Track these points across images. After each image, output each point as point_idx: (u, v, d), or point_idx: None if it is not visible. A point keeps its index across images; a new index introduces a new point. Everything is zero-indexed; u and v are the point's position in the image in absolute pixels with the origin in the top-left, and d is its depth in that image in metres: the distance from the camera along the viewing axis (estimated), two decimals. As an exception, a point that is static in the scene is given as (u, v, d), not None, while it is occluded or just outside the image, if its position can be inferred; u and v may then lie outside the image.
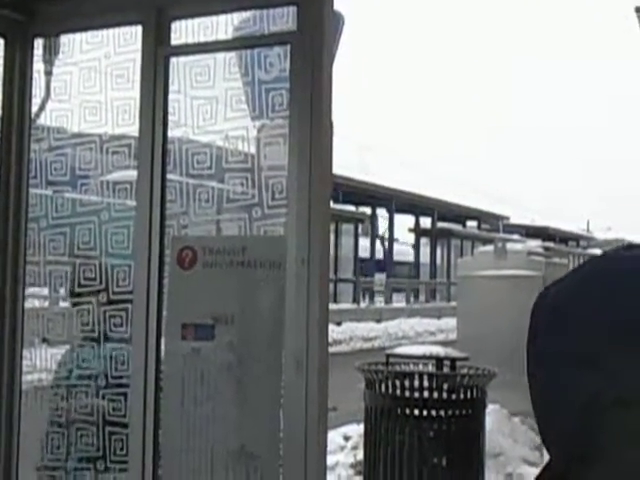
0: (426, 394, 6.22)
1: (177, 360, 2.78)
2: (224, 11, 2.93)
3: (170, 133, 2.92)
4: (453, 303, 26.47)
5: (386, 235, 40.82)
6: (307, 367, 2.51)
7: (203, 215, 2.94)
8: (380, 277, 37.94)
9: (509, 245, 12.49)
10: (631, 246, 0.94)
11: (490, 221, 48.88)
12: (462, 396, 6.29)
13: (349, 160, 33.18)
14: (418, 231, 42.83)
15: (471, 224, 48.06)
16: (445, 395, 6.24)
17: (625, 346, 0.85)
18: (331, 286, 30.79)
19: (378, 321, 29.48)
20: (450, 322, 24.14)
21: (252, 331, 2.71)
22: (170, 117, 2.94)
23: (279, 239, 2.72)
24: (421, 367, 6.67)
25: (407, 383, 6.27)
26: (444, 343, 10.44)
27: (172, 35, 2.96)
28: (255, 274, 2.71)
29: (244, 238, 2.82)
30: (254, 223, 2.81)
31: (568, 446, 0.87)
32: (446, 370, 6.52)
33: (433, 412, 6.23)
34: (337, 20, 4.55)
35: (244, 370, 2.68)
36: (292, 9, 2.82)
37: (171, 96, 2.95)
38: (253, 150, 2.91)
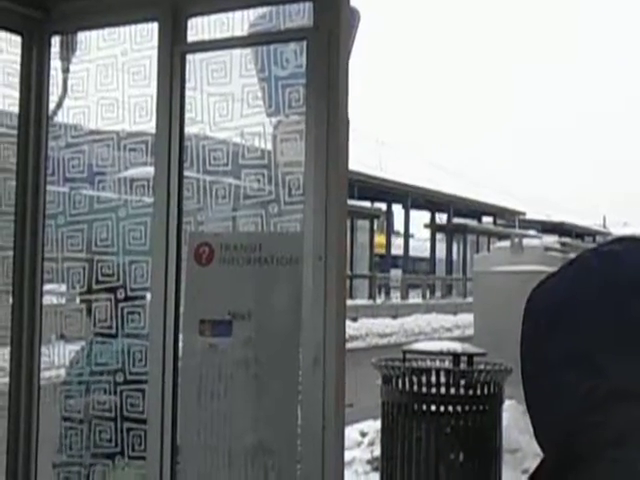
0: (443, 390, 6.21)
1: (195, 356, 2.78)
2: (240, 7, 2.92)
3: (187, 130, 2.93)
4: (469, 299, 26.41)
5: (401, 231, 40.79)
6: (324, 363, 2.51)
7: (220, 212, 2.94)
8: (396, 273, 37.91)
9: (525, 241, 12.43)
10: (622, 239, 0.93)
11: (506, 217, 48.72)
12: (479, 392, 6.26)
13: (365, 156, 33.15)
14: (434, 227, 42.74)
15: (487, 220, 47.92)
16: (462, 391, 6.22)
17: (619, 344, 0.84)
18: (347, 282, 30.75)
19: (394, 317, 29.43)
20: (466, 318, 24.08)
21: (269, 327, 2.71)
22: (187, 114, 2.94)
23: (296, 235, 2.72)
24: (438, 363, 6.64)
25: (424, 379, 6.25)
26: (460, 339, 10.41)
27: (188, 32, 2.97)
28: (272, 270, 2.72)
29: (261, 234, 2.82)
30: (271, 219, 2.81)
31: (562, 447, 0.85)
32: (463, 366, 6.50)
33: (450, 408, 6.21)
34: (353, 16, 4.54)
35: (261, 366, 2.69)
36: (308, 5, 2.81)
37: (188, 93, 2.95)
38: (269, 146, 2.92)
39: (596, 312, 0.86)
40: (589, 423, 0.83)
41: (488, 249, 26.20)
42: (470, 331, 13.85)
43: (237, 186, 2.90)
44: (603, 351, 0.84)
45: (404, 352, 6.82)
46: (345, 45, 2.90)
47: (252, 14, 2.96)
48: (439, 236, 42.93)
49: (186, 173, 2.92)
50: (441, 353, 6.75)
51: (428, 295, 38.19)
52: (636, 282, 0.85)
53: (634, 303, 0.84)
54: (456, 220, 42.64)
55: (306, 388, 2.59)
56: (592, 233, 61.77)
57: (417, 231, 48.11)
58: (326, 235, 2.58)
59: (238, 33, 2.95)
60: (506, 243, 12.58)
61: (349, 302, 22.61)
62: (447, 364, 6.58)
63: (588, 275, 0.89)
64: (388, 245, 38.44)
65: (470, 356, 6.59)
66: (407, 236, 40.42)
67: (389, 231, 39.75)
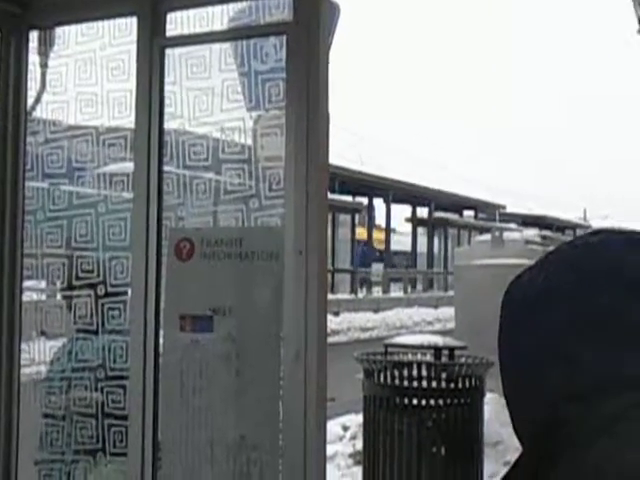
0: (424, 383, 6.23)
1: (176, 352, 2.77)
2: (220, 2, 2.92)
3: (166, 125, 2.92)
4: (450, 292, 26.46)
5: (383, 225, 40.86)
6: (306, 358, 2.51)
7: (200, 207, 2.93)
8: (377, 267, 37.96)
9: (506, 234, 12.48)
10: (598, 231, 0.94)
11: (487, 210, 48.85)
12: (460, 385, 6.29)
13: (346, 150, 33.16)
14: (415, 221, 42.81)
15: (468, 213, 48.05)
16: (443, 384, 6.25)
17: (596, 335, 0.84)
18: (328, 276, 30.76)
19: (376, 311, 29.47)
20: (447, 311, 24.14)
21: (251, 322, 2.71)
22: (166, 109, 2.93)
23: (276, 230, 2.72)
24: (419, 357, 6.67)
25: (405, 373, 6.27)
26: (442, 332, 10.43)
27: (167, 26, 2.95)
28: (253, 265, 2.71)
29: (241, 229, 2.82)
30: (251, 214, 2.81)
31: (540, 439, 0.85)
32: (444, 359, 6.53)
33: (432, 401, 6.24)
34: (333, 10, 4.53)
35: (243, 361, 2.68)
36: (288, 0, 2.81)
37: (167, 88, 2.94)
38: (250, 141, 2.91)
39: (573, 303, 0.86)
40: (566, 415, 0.83)
41: (469, 243, 26.27)
42: (451, 324, 13.88)
43: (217, 181, 2.89)
44: (580, 342, 0.84)
45: (386, 346, 6.84)
46: (325, 39, 2.89)
47: (232, 8, 2.95)
48: (421, 230, 43.01)
49: (166, 168, 2.91)
50: (422, 347, 6.77)
51: (410, 289, 38.28)
52: (612, 273, 0.86)
53: (610, 294, 0.84)
54: (437, 214, 42.72)
55: (288, 383, 2.59)
56: (572, 226, 62.06)
57: (399, 225, 48.24)
58: (307, 230, 2.58)
59: (218, 27, 2.94)
60: (487, 237, 12.63)
61: (331, 296, 22.63)
62: (428, 357, 6.61)
63: (565, 267, 0.89)
64: (369, 239, 38.48)
65: (451, 349, 6.62)
66: (388, 230, 40.48)
67: (370, 225, 39.78)
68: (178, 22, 2.96)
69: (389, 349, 6.79)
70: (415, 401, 6.23)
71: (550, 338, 0.86)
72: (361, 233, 37.55)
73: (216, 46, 2.93)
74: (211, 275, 2.77)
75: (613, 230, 0.94)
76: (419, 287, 39.84)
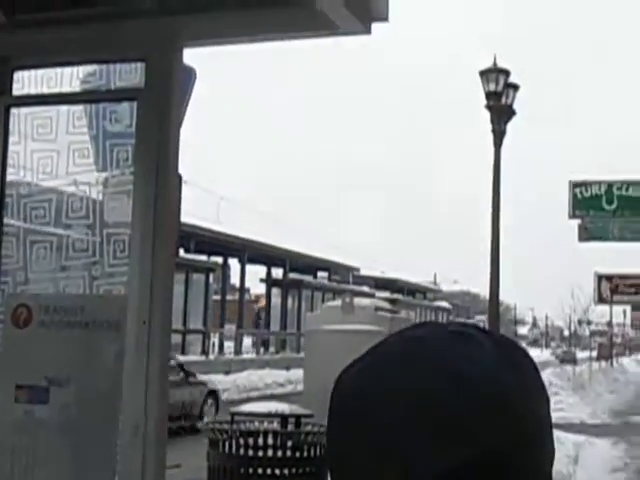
0: (270, 453, 6.16)
1: (8, 425, 2.64)
2: (70, 63, 2.86)
3: (9, 186, 2.82)
4: (302, 354, 26.55)
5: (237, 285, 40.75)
6: (145, 432, 2.44)
7: (41, 272, 2.83)
8: (230, 327, 37.71)
9: (357, 300, 12.66)
10: (424, 323, 0.96)
11: (341, 272, 49.52)
12: (306, 454, 6.25)
13: (205, 210, 33.07)
14: (269, 281, 42.89)
15: (322, 275, 48.57)
16: (289, 453, 6.20)
17: (422, 429, 0.84)
18: (180, 337, 30.31)
19: (227, 373, 29.18)
20: (299, 373, 24.17)
21: (89, 394, 2.61)
22: (10, 169, 2.84)
23: (120, 298, 2.64)
24: (266, 425, 6.61)
25: (251, 442, 6.19)
26: (293, 394, 10.44)
27: (14, 85, 2.87)
28: (94, 334, 2.63)
29: (83, 297, 2.73)
30: (94, 281, 2.73)
31: None
32: (291, 427, 6.48)
33: (277, 471, 6.17)
34: (189, 75, 4.53)
35: (79, 435, 2.58)
36: (140, 64, 2.78)
37: (12, 147, 2.86)
38: (96, 206, 2.84)
39: (399, 397, 0.86)
40: None
41: (322, 304, 26.50)
42: (302, 386, 13.90)
43: (59, 246, 2.80)
44: (407, 437, 0.84)
45: (232, 414, 6.75)
46: (177, 104, 2.87)
47: (82, 70, 2.90)
48: (275, 291, 43.09)
49: (6, 230, 2.80)
50: (269, 415, 6.70)
51: (262, 350, 38.16)
52: (437, 366, 0.87)
53: (435, 386, 0.85)
54: (292, 275, 42.95)
55: (125, 457, 2.50)
56: (423, 290, 63.67)
57: (253, 286, 48.21)
58: (151, 299, 2.52)
59: (67, 89, 2.88)
60: (337, 302, 12.78)
61: (181, 358, 22.18)
62: (275, 425, 6.55)
63: (394, 360, 0.90)
64: (223, 299, 38.25)
65: (297, 417, 6.58)
66: (242, 290, 40.39)
67: (224, 285, 39.60)
68: (25, 81, 2.89)
69: (235, 417, 6.70)
70: (260, 471, 6.15)
71: (378, 434, 0.86)
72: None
73: (64, 108, 2.87)
74: (49, 344, 2.67)
75: (437, 323, 0.96)
76: (272, 348, 39.77)
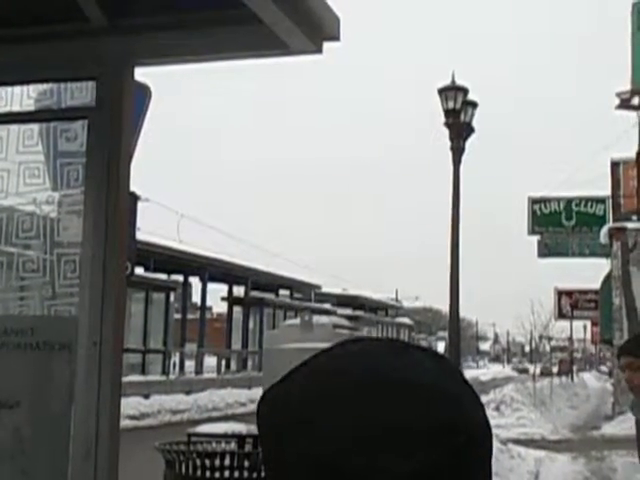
0: (227, 474, 6.10)
1: (-45, 449, 2.59)
2: (20, 82, 2.84)
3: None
4: (264, 373, 26.38)
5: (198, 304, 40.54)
6: (97, 455, 2.41)
7: (-9, 293, 2.79)
8: (191, 347, 37.47)
9: (316, 318, 12.66)
10: (356, 339, 0.96)
11: (303, 290, 49.45)
12: (264, 475, 6.18)
13: (165, 228, 32.88)
14: (231, 300, 42.69)
15: (284, 292, 48.47)
16: (246, 474, 6.14)
17: (357, 444, 0.84)
18: (140, 357, 30.05)
19: (188, 392, 28.93)
20: (260, 392, 24.05)
21: (39, 418, 2.57)
22: (-42, 189, 2.80)
23: (70, 320, 2.61)
24: (223, 445, 6.55)
25: (208, 463, 6.14)
26: (254, 413, 10.34)
27: (-37, 104, 2.84)
28: (44, 356, 2.59)
29: (33, 318, 2.69)
30: (45, 302, 2.69)
31: None
32: (248, 448, 6.43)
33: (234, 492, 6.10)
34: (144, 92, 4.51)
35: (29, 459, 2.53)
36: (91, 83, 2.77)
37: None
38: (47, 225, 2.80)
39: (331, 413, 0.85)
40: None
41: (284, 321, 26.43)
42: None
43: (9, 267, 2.76)
44: (341, 452, 0.83)
45: (189, 435, 6.69)
46: (129, 122, 2.86)
47: (33, 89, 2.87)
48: (236, 309, 42.90)
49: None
50: (226, 435, 6.65)
51: (223, 369, 37.93)
52: (369, 380, 0.87)
53: (365, 402, 0.85)
54: (254, 293, 42.80)
55: (77, 481, 2.46)
56: (385, 307, 63.75)
57: (215, 304, 47.96)
58: (102, 320, 2.50)
59: (17, 108, 2.85)
60: (296, 320, 12.77)
61: (141, 378, 21.96)
62: (233, 446, 6.49)
63: (322, 377, 0.89)
64: (184, 318, 38.00)
65: (255, 438, 6.53)
66: (203, 308, 40.16)
67: (185, 304, 39.35)
68: (-25, 100, 2.85)
69: (193, 438, 6.64)
70: (218, 492, 6.08)
71: (311, 451, 0.85)
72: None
73: (14, 127, 2.84)
74: (-1, 366, 2.62)
75: (371, 338, 0.97)
76: (233, 367, 39.55)
